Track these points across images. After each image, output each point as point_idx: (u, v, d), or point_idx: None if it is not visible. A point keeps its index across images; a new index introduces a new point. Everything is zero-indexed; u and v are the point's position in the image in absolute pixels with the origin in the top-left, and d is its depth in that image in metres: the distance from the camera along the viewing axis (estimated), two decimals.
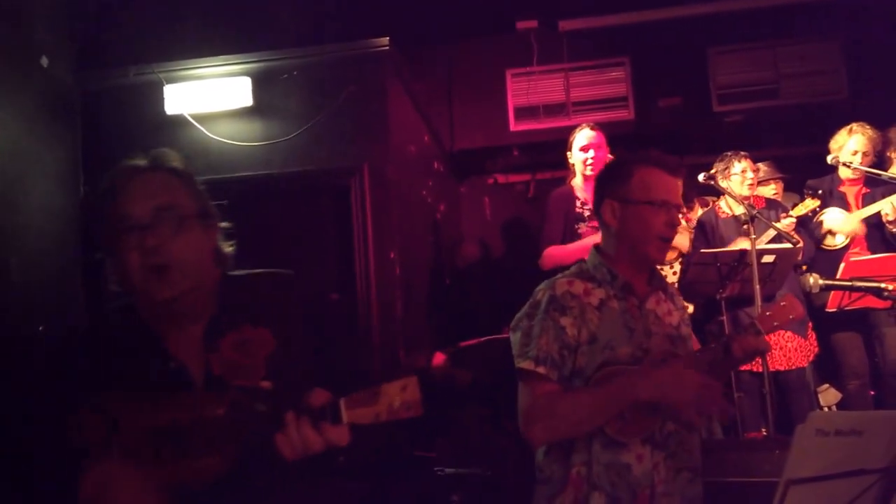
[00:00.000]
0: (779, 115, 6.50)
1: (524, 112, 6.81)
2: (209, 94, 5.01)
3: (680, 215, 2.41)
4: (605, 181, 2.45)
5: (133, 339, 1.79)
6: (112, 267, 1.79)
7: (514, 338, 2.33)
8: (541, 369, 2.23)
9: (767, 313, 2.41)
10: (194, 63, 5.07)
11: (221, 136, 5.02)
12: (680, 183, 2.40)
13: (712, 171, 4.96)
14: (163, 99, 5.02)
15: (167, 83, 5.03)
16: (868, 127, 4.94)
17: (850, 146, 4.93)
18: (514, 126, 6.83)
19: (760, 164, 5.49)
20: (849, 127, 4.99)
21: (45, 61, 4.71)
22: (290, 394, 1.65)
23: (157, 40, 5.07)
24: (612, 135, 5.59)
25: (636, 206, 2.33)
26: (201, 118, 5.01)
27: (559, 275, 2.41)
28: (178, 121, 5.02)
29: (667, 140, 6.69)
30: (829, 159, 5.03)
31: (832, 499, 1.76)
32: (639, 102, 6.67)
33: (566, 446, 2.28)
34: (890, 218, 4.74)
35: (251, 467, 1.67)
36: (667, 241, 2.35)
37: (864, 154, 4.89)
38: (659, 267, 4.82)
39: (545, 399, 2.22)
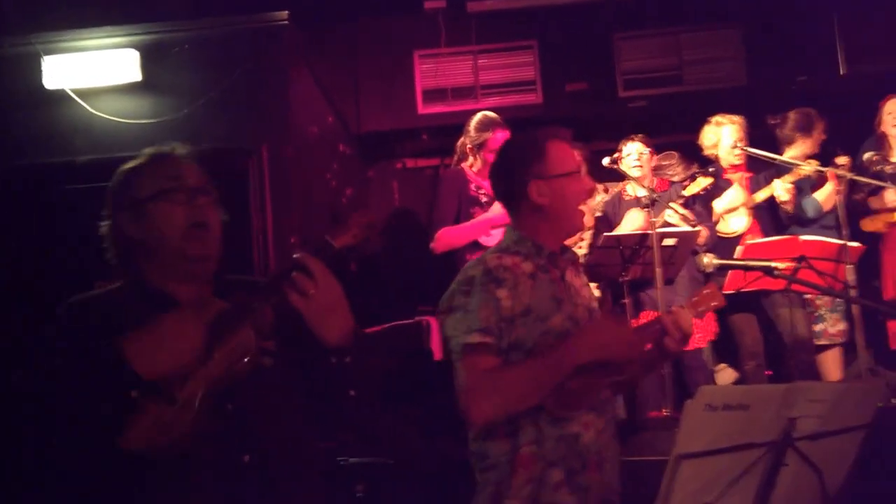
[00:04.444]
0: (682, 101, 6.59)
1: (432, 94, 6.71)
2: (93, 68, 4.76)
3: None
4: (521, 163, 2.43)
5: (146, 302, 1.90)
6: (135, 228, 1.93)
7: (452, 317, 2.29)
8: (489, 339, 2.22)
9: (694, 299, 2.45)
10: (77, 34, 4.81)
11: (106, 112, 4.78)
12: (577, 149, 2.55)
13: (615, 156, 5.02)
14: (41, 72, 4.75)
15: (46, 55, 4.75)
16: (728, 115, 5.08)
17: (725, 138, 5.06)
18: (422, 109, 6.73)
19: (672, 161, 5.60)
20: (714, 121, 5.13)
21: None
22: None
23: (36, 8, 4.75)
24: (521, 118, 5.59)
25: (558, 180, 2.38)
26: (84, 93, 4.76)
27: (486, 252, 2.42)
28: (59, 96, 4.76)
29: (574, 125, 6.72)
30: (706, 153, 5.16)
31: (722, 473, 1.76)
32: (546, 87, 6.67)
33: (510, 427, 2.25)
34: (784, 199, 4.86)
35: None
36: (583, 207, 2.46)
37: (741, 140, 5.02)
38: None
39: (489, 374, 2.20)
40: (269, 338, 1.87)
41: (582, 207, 2.44)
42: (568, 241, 2.52)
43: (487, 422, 2.25)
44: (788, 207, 4.89)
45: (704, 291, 2.47)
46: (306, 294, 1.81)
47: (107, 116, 4.78)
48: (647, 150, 5.08)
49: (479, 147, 4.55)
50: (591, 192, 2.50)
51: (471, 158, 4.60)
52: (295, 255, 1.85)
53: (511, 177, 2.45)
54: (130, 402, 1.68)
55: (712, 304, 2.46)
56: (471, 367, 2.22)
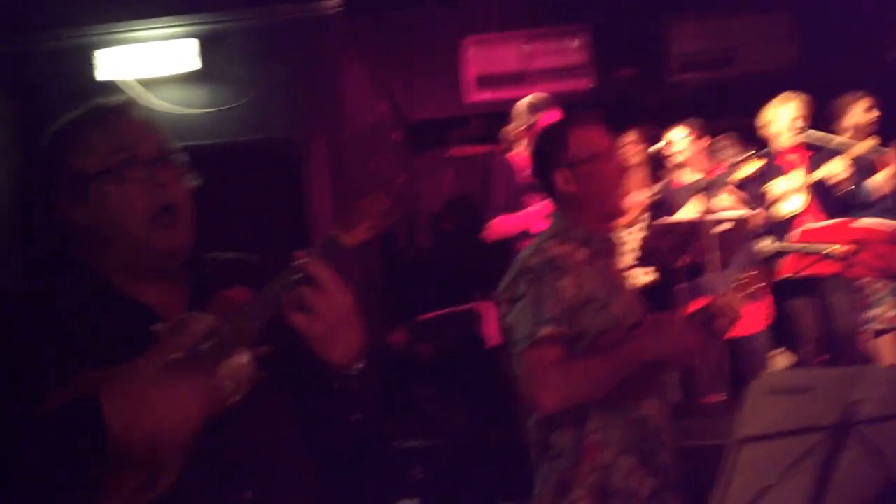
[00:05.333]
0: (733, 84, 6.53)
1: (484, 81, 6.70)
2: (152, 58, 4.82)
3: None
4: (545, 154, 2.46)
5: (98, 302, 1.49)
6: (81, 212, 1.50)
7: (518, 307, 2.26)
8: (558, 330, 2.20)
9: (737, 284, 2.43)
10: (136, 24, 4.87)
11: (166, 102, 4.84)
12: (606, 131, 2.46)
13: (675, 138, 5.00)
14: (99, 64, 4.81)
15: (103, 47, 4.82)
16: (792, 93, 4.98)
17: (785, 115, 4.98)
18: (473, 96, 6.74)
19: (728, 143, 5.54)
20: (778, 98, 5.04)
21: None
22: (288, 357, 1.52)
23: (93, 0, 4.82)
24: (571, 104, 5.57)
25: (584, 165, 2.35)
26: (143, 84, 4.83)
27: (539, 240, 2.38)
28: (118, 86, 4.81)
29: (624, 109, 6.69)
30: (766, 133, 5.10)
31: (783, 456, 1.76)
32: (597, 71, 6.64)
33: (576, 415, 2.24)
34: (844, 175, 4.77)
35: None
36: (622, 186, 2.42)
37: (803, 118, 4.94)
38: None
39: (558, 365, 2.19)
40: (261, 344, 1.46)
41: (619, 187, 2.41)
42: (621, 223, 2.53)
43: (552, 410, 2.23)
44: (847, 185, 4.80)
45: (746, 274, 2.46)
46: (313, 312, 1.44)
47: (166, 106, 4.83)
48: (686, 136, 5.02)
49: (532, 129, 4.53)
50: (623, 172, 2.45)
51: (522, 143, 4.59)
52: (299, 261, 1.45)
53: (539, 168, 2.47)
54: (103, 466, 1.30)
55: (755, 286, 2.43)
56: (539, 358, 2.19)
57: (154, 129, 1.57)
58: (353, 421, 1.64)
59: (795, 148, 5.07)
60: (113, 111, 1.56)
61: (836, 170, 4.78)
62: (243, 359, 1.43)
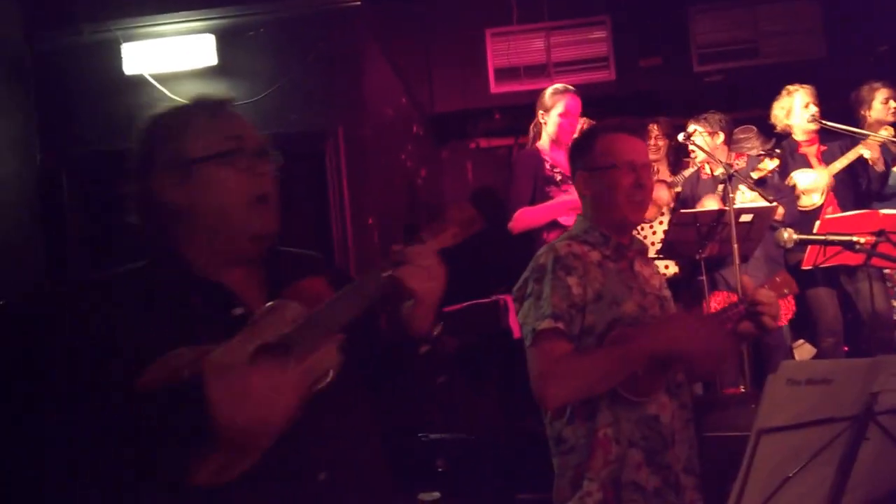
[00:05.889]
0: (759, 74, 6.47)
1: (505, 73, 6.73)
2: (170, 53, 4.83)
3: (654, 169, 2.43)
4: (574, 155, 2.56)
5: (180, 286, 1.58)
6: (181, 193, 1.60)
7: (526, 304, 2.35)
8: (560, 324, 2.25)
9: (767, 286, 2.43)
10: (154, 19, 4.88)
11: (184, 97, 4.83)
12: (643, 143, 2.53)
13: (690, 132, 4.97)
14: (121, 58, 4.83)
15: (125, 42, 4.84)
16: (797, 84, 4.99)
17: (798, 104, 4.94)
18: (494, 88, 6.75)
19: (750, 134, 5.50)
20: (785, 90, 5.02)
21: None
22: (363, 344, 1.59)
23: None
24: (593, 96, 5.56)
25: (602, 172, 2.41)
26: (162, 78, 4.84)
27: (557, 239, 2.45)
28: (138, 81, 4.85)
29: (648, 101, 6.66)
30: (779, 128, 5.06)
31: (803, 447, 1.76)
32: (619, 63, 6.61)
33: (587, 410, 2.29)
34: (875, 157, 4.73)
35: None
36: (637, 201, 2.40)
37: (815, 104, 4.91)
38: (640, 226, 4.88)
39: (563, 359, 2.24)
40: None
41: (632, 201, 2.38)
42: (648, 216, 2.51)
43: (558, 404, 2.30)
44: (879, 166, 4.76)
45: (777, 279, 2.46)
46: (418, 295, 1.58)
47: (185, 101, 4.83)
48: (702, 132, 4.98)
49: (552, 112, 4.53)
50: (641, 188, 2.39)
51: (545, 134, 4.59)
52: (412, 249, 1.58)
53: (570, 167, 2.59)
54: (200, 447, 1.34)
55: (784, 290, 2.45)
56: (544, 352, 2.26)
57: (252, 125, 1.70)
58: (439, 383, 1.78)
59: (812, 139, 5.04)
60: (220, 104, 1.71)
61: (865, 153, 4.75)
62: (332, 346, 1.47)
